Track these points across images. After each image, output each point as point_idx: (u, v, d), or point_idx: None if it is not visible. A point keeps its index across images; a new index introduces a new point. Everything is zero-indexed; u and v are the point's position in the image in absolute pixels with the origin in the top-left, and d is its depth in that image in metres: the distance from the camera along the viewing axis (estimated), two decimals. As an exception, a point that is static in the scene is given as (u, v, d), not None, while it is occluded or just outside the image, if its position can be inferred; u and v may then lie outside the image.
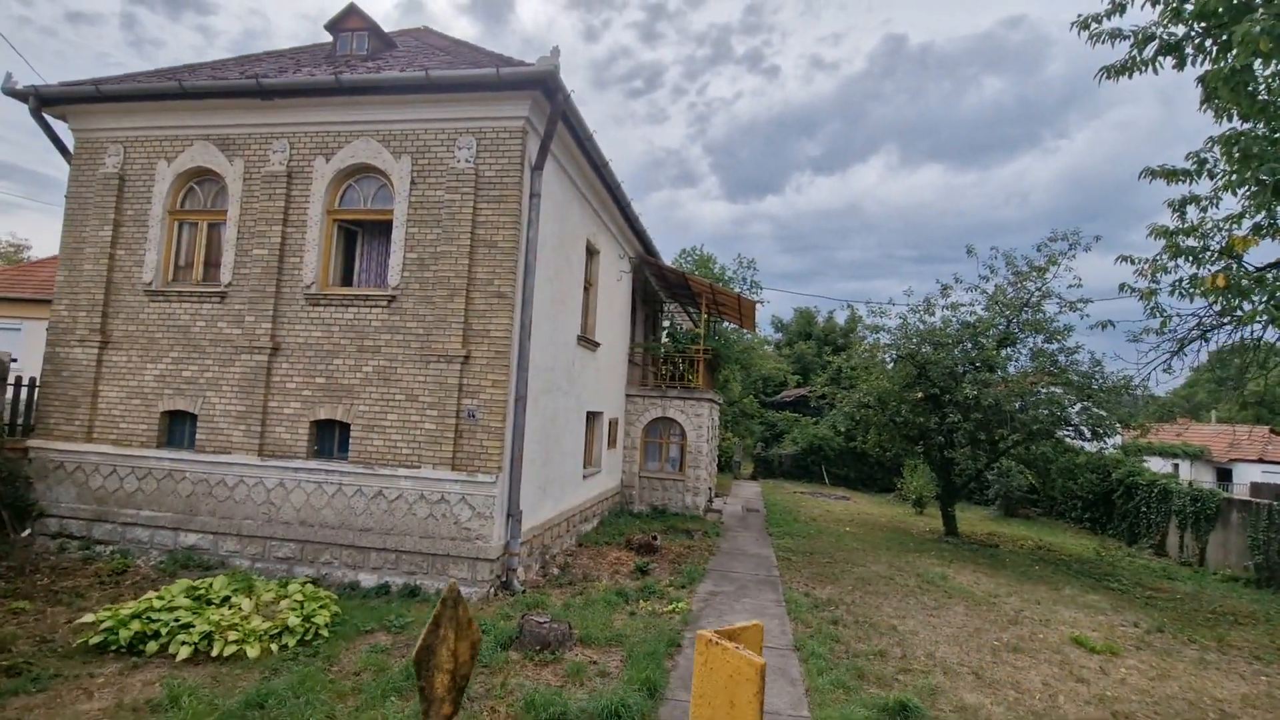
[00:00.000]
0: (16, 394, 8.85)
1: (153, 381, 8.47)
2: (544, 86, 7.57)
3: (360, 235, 8.87)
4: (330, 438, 8.18)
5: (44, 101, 8.72)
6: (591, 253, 11.58)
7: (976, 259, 15.57)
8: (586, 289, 11.55)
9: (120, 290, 8.72)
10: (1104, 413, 13.26)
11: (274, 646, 5.56)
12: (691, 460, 14.86)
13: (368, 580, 7.63)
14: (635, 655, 5.75)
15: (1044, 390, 13.69)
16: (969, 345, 14.58)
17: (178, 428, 8.55)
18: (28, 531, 8.35)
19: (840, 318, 40.64)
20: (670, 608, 7.50)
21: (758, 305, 25.09)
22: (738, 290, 21.14)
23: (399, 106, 8.07)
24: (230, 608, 5.94)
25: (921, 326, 15.21)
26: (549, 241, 8.87)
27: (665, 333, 19.49)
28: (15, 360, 12.45)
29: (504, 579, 7.71)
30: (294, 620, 5.79)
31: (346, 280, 8.67)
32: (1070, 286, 14.48)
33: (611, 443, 13.76)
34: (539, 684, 5.17)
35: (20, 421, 8.88)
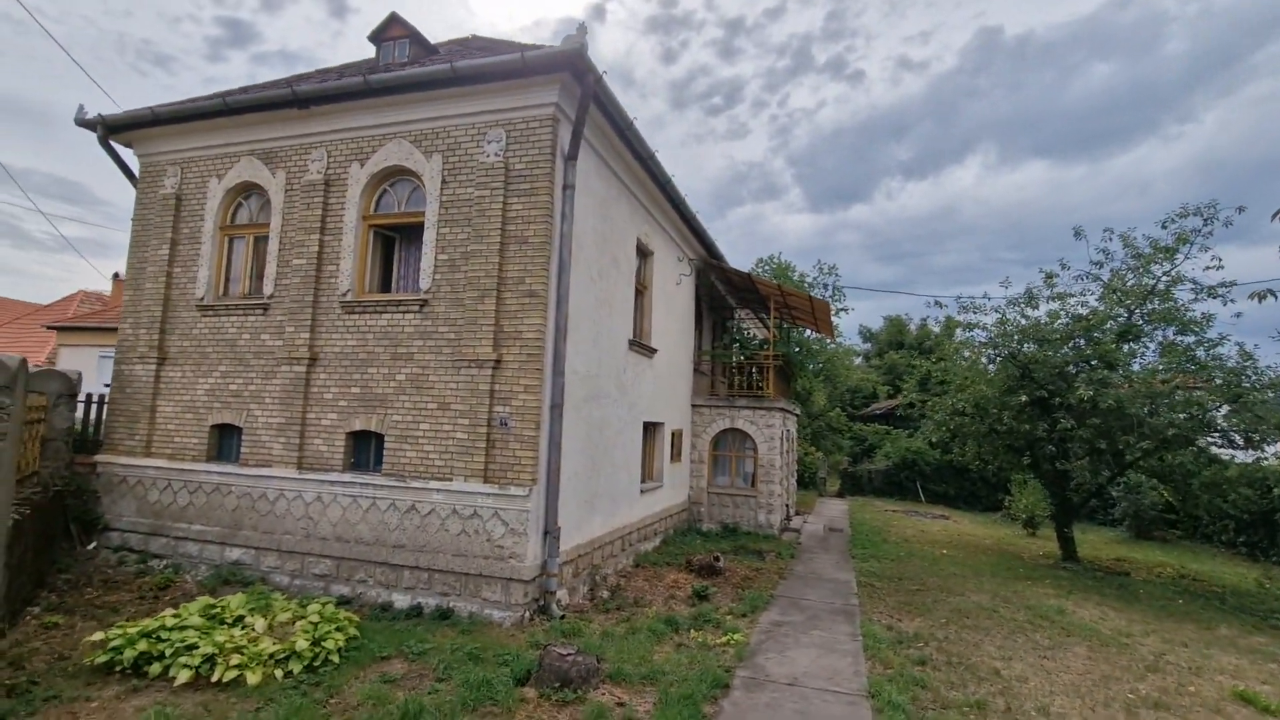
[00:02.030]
0: (86, 411, 9.17)
1: (204, 395, 8.53)
2: (572, 68, 7.03)
3: (398, 240, 8.64)
4: (365, 450, 7.88)
5: (110, 130, 9.10)
6: (644, 254, 10.93)
7: (1086, 243, 13.67)
8: (640, 292, 10.89)
9: (176, 307, 8.89)
10: (1260, 415, 11.06)
11: (278, 672, 5.14)
12: (764, 474, 13.78)
13: (401, 601, 7.19)
14: (670, 698, 4.92)
15: (1181, 392, 11.60)
16: (1081, 341, 12.70)
17: (226, 441, 8.54)
18: (93, 545, 8.54)
19: (934, 321, 37.75)
20: (724, 639, 6.59)
21: (840, 311, 23.69)
22: (818, 296, 19.90)
23: (428, 104, 7.77)
24: (242, 628, 5.61)
25: (1023, 321, 13.45)
26: (589, 239, 8.29)
27: (733, 340, 18.49)
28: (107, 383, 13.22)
29: (541, 602, 7.06)
30: (302, 644, 5.37)
31: (385, 287, 8.45)
32: (1207, 269, 12.29)
33: (675, 456, 12.94)
34: (550, 730, 4.45)
35: (90, 437, 9.19)
